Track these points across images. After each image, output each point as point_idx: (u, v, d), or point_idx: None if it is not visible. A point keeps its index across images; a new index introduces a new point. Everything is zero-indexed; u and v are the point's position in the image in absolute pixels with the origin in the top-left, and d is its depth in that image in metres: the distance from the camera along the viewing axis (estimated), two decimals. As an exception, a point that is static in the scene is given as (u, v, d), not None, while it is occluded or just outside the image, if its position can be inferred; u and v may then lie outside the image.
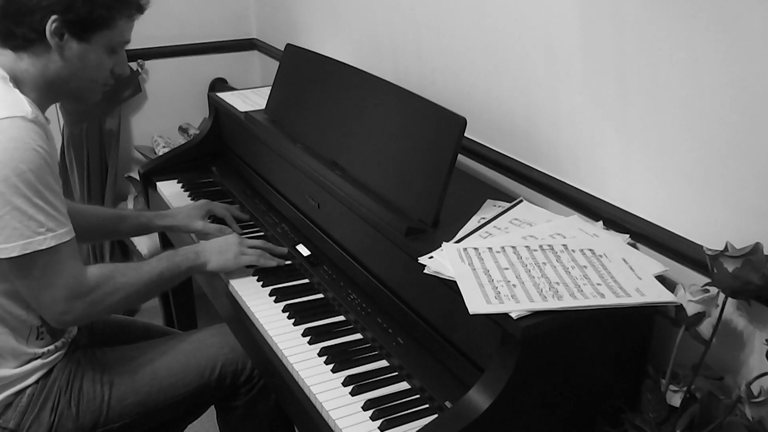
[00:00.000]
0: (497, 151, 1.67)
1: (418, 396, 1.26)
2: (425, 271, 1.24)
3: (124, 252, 2.82)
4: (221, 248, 1.58)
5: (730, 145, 1.15)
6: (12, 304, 1.35)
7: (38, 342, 1.40)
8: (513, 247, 1.28)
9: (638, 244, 1.32)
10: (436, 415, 1.20)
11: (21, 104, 1.27)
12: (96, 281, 1.35)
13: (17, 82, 1.34)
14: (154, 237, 2.41)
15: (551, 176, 1.53)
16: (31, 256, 1.25)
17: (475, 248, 1.27)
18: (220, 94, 2.25)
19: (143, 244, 2.52)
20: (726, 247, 1.08)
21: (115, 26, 1.37)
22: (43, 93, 1.37)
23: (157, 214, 1.86)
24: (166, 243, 2.18)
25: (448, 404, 1.20)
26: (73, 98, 1.48)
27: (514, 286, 1.16)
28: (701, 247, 1.16)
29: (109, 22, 1.35)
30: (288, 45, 2.03)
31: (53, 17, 1.30)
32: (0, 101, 1.26)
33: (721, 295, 1.11)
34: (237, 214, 1.90)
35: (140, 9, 1.42)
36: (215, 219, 1.87)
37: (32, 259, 1.26)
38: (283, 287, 1.58)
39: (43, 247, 1.25)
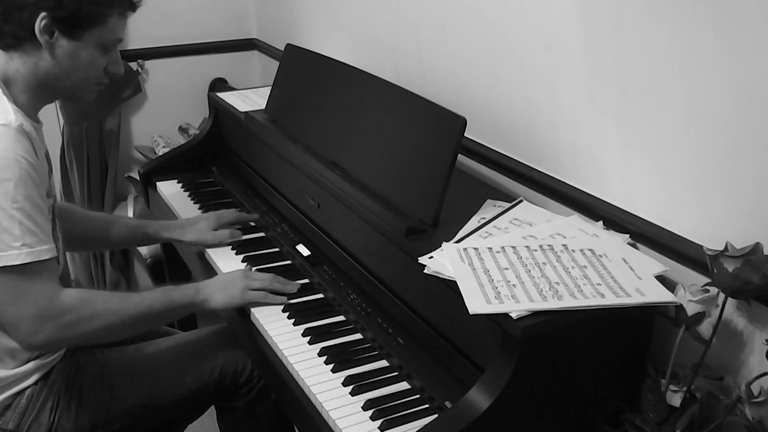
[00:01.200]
0: (497, 151, 1.67)
1: (418, 396, 1.26)
2: (425, 271, 1.24)
3: (124, 253, 2.82)
4: (225, 284, 1.49)
5: (730, 145, 1.15)
6: None
7: None
8: (513, 247, 1.28)
9: (638, 244, 1.32)
10: (436, 415, 1.20)
11: (5, 112, 1.24)
12: (71, 304, 1.27)
13: (8, 83, 1.32)
14: (155, 237, 2.40)
15: (551, 176, 1.53)
16: (1, 270, 1.19)
17: (475, 248, 1.27)
18: (220, 94, 2.25)
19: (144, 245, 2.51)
20: (726, 247, 1.08)
21: (106, 23, 1.33)
22: (35, 93, 1.35)
23: (165, 225, 1.80)
24: (167, 244, 2.17)
25: (448, 404, 1.20)
26: (67, 98, 1.44)
27: (514, 286, 1.16)
28: (701, 247, 1.16)
29: (100, 18, 1.32)
30: (288, 45, 2.03)
31: (42, 14, 1.27)
32: None
33: (721, 295, 1.11)
34: (246, 217, 1.87)
35: (132, 6, 1.39)
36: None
37: (1, 273, 1.20)
38: (283, 287, 1.58)
39: (15, 263, 1.19)
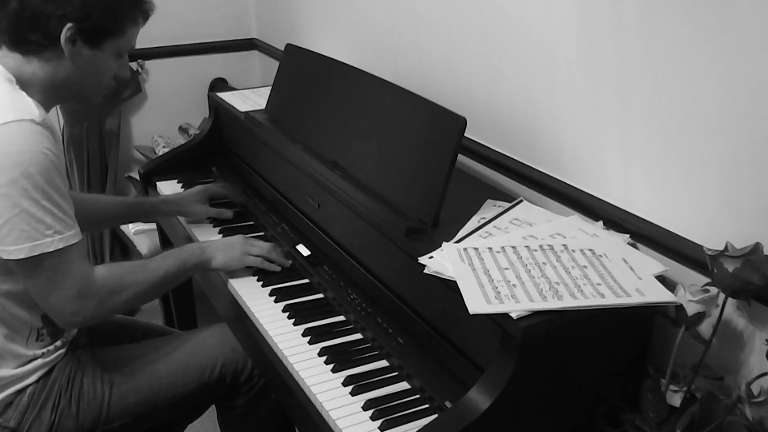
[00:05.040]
0: (497, 151, 1.67)
1: (418, 396, 1.26)
2: (425, 271, 1.24)
3: (124, 252, 2.82)
4: (226, 246, 1.59)
5: (730, 145, 1.15)
6: (12, 305, 1.36)
7: (38, 344, 1.41)
8: (513, 247, 1.28)
9: (638, 244, 1.32)
10: (436, 415, 1.20)
11: (29, 107, 1.28)
12: (103, 280, 1.36)
13: (22, 84, 1.34)
14: (154, 237, 2.41)
15: (551, 176, 1.53)
16: (38, 258, 1.26)
17: (475, 248, 1.27)
18: (220, 94, 2.25)
19: (143, 244, 2.52)
20: (726, 247, 1.08)
21: (125, 33, 1.40)
22: (48, 95, 1.38)
23: (163, 200, 1.91)
24: (166, 243, 2.17)
25: (448, 404, 1.20)
26: (77, 100, 1.53)
27: (514, 286, 1.16)
28: (701, 247, 1.16)
29: (121, 30, 1.38)
30: (288, 45, 2.03)
31: (69, 25, 1.31)
32: (8, 104, 1.27)
33: (721, 295, 1.11)
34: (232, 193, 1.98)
35: (146, 16, 1.45)
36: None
37: (40, 261, 1.27)
38: (283, 287, 1.58)
39: (51, 249, 1.26)
